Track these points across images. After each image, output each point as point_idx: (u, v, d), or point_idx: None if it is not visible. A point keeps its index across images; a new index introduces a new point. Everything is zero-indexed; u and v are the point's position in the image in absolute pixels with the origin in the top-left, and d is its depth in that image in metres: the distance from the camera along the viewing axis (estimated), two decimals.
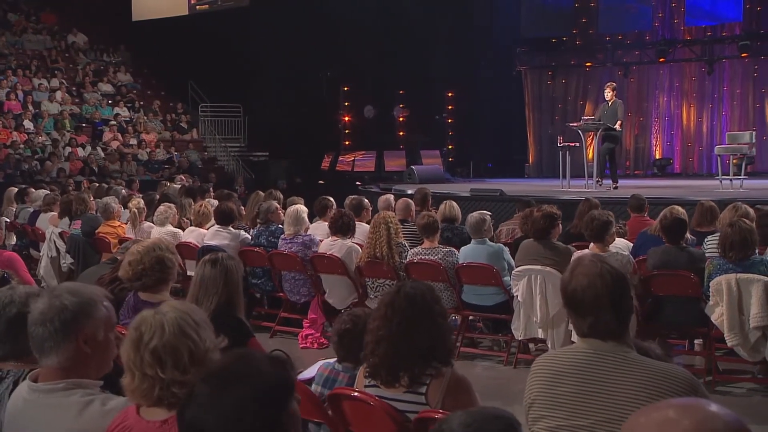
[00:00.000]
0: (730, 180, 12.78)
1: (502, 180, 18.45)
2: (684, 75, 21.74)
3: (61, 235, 9.98)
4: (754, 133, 14.28)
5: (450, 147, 22.92)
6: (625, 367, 2.53)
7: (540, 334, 6.77)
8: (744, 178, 12.87)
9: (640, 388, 2.47)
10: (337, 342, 3.83)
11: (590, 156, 17.70)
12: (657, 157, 21.78)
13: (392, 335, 3.27)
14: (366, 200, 8.92)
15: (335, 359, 3.99)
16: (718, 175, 20.03)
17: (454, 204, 8.41)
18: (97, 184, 14.64)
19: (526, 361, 7.13)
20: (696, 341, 7.07)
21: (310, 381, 3.97)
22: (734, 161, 13.34)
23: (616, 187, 13.58)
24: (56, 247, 10.09)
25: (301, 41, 20.67)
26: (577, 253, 6.66)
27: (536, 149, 22.75)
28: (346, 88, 23.36)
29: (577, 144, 14.33)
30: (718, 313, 6.02)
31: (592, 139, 15.19)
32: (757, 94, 20.80)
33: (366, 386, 3.35)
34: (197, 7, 24.10)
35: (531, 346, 7.29)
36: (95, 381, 2.60)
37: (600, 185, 13.50)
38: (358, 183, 18.97)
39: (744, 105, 20.94)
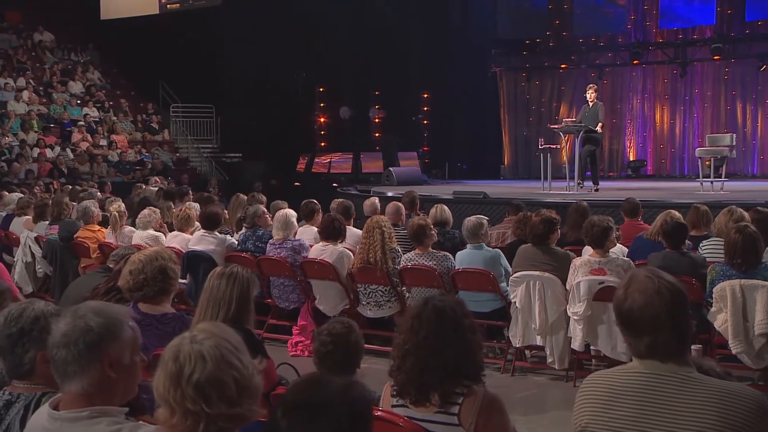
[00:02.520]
0: (711, 182, 12.78)
1: (479, 182, 18.39)
2: (657, 77, 21.88)
3: (36, 239, 9.69)
4: (734, 135, 14.31)
5: (425, 149, 22.83)
6: (689, 388, 2.37)
7: (538, 341, 6.65)
8: (725, 180, 12.90)
9: (706, 410, 2.32)
10: (319, 364, 3.62)
11: (565, 158, 17.71)
12: (631, 158, 21.88)
13: (419, 349, 3.10)
14: (353, 204, 8.76)
15: None
16: (692, 177, 20.35)
17: (445, 207, 8.27)
18: (70, 187, 14.26)
19: (522, 368, 7.03)
20: (693, 347, 6.98)
21: None
22: (707, 163, 13.39)
23: (597, 190, 13.56)
24: (31, 252, 9.80)
25: (276, 41, 20.42)
26: (589, 260, 6.58)
27: (511, 151, 22.76)
28: (321, 89, 23.17)
29: (558, 146, 14.32)
30: (722, 320, 5.93)
31: (568, 141, 15.21)
32: (729, 96, 20.98)
33: (393, 406, 3.17)
34: (168, 6, 23.78)
35: (527, 353, 7.17)
36: (121, 408, 2.40)
37: (581, 187, 13.45)
38: (335, 185, 18.78)
39: (716, 107, 21.12)
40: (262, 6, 20.50)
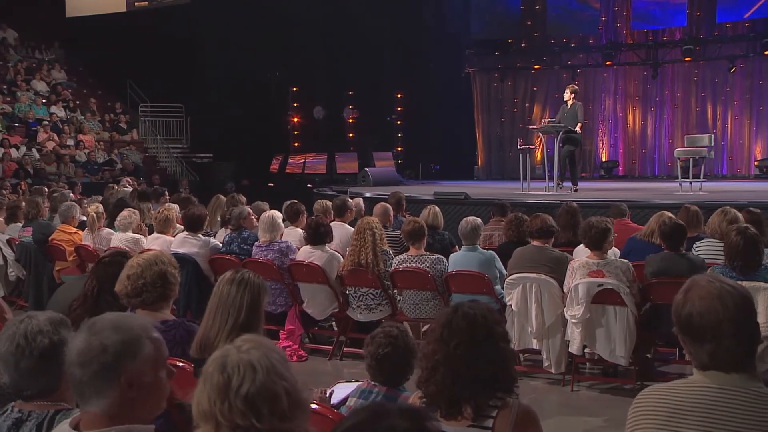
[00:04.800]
0: (690, 183, 12.78)
1: (454, 182, 18.30)
2: (628, 78, 22.00)
3: (8, 242, 9.38)
4: (712, 136, 14.35)
5: (399, 149, 22.70)
6: (759, 405, 2.22)
7: (534, 344, 6.53)
8: (703, 181, 12.91)
9: None
10: (375, 367, 3.49)
11: (538, 158, 17.73)
12: (603, 159, 21.95)
13: (450, 359, 2.93)
14: (350, 200, 8.58)
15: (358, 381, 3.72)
16: (662, 178, 20.49)
17: (438, 210, 8.13)
18: (46, 189, 13.78)
19: (517, 373, 6.88)
20: None
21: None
22: (679, 164, 13.43)
23: (576, 190, 13.50)
24: (2, 254, 9.49)
25: (248, 40, 20.14)
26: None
27: (485, 151, 22.73)
28: (294, 89, 22.90)
29: (536, 146, 14.27)
30: None
31: (541, 141, 15.19)
32: (699, 98, 21.17)
33: None
34: (136, 3, 23.39)
35: (521, 356, 7.05)
36: (147, 426, 2.21)
37: (561, 188, 13.39)
38: (309, 185, 18.57)
39: (686, 108, 21.30)
40: (233, 4, 20.20)
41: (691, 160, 12.85)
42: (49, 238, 8.77)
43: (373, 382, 3.53)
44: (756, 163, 20.04)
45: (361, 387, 3.56)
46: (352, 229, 7.84)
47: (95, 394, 2.14)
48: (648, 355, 6.71)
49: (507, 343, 3.04)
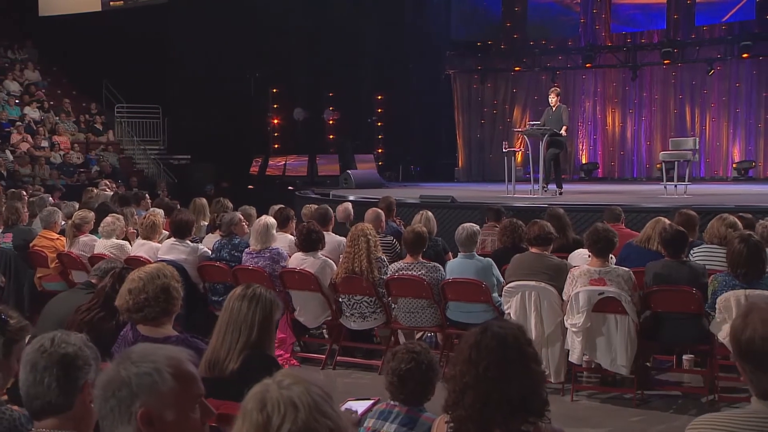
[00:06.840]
0: (675, 186, 12.75)
1: (435, 184, 18.24)
2: (608, 80, 22.04)
3: None
4: (696, 139, 14.36)
5: (380, 151, 22.56)
6: None
7: None
8: (687, 184, 12.89)
9: None
10: (397, 383, 3.35)
11: (519, 161, 17.69)
12: (583, 161, 21.97)
13: (480, 382, 2.79)
14: (330, 209, 8.40)
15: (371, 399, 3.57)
16: (641, 180, 20.56)
17: (431, 215, 8.01)
18: (24, 193, 13.42)
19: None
20: (684, 357, 6.85)
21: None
22: (656, 166, 13.40)
23: (560, 193, 13.45)
24: None
25: (227, 40, 19.88)
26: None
27: (465, 153, 22.67)
28: (274, 90, 22.65)
29: (520, 149, 14.21)
30: (726, 331, 5.77)
31: (521, 143, 15.15)
32: (677, 100, 21.25)
33: None
34: (111, 2, 23.06)
35: None
36: None
37: (546, 191, 13.33)
38: (291, 188, 18.37)
39: (665, 110, 21.38)
40: (211, 4, 19.95)
41: (676, 163, 12.83)
42: (30, 245, 8.52)
43: (392, 402, 3.39)
44: (734, 165, 20.14)
45: (379, 408, 3.41)
46: (335, 236, 7.73)
47: (111, 429, 1.99)
48: (647, 364, 6.63)
49: (538, 364, 2.89)
